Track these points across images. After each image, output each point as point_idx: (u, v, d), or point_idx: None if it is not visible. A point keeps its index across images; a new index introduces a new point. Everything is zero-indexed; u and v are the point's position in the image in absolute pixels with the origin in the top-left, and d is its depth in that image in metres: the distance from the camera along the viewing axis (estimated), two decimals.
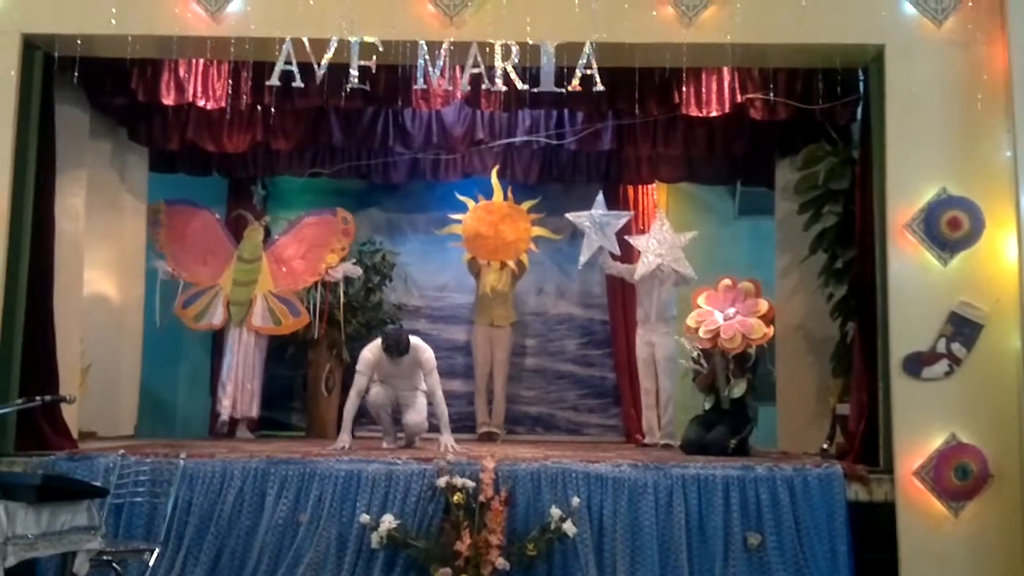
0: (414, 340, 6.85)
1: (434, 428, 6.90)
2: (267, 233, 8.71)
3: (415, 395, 6.99)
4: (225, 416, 8.28)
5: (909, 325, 5.94)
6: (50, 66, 6.49)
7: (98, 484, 5.07)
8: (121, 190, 8.36)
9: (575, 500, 5.57)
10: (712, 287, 7.23)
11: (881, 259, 6.15)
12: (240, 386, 8.24)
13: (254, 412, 8.39)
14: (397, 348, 6.70)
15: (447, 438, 6.63)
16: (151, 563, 5.12)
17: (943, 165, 6.04)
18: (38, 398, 4.97)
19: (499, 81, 6.18)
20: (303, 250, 8.41)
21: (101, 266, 7.99)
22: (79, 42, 6.26)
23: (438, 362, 7.00)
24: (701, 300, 7.18)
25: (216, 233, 8.57)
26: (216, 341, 9.07)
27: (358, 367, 6.85)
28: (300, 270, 8.37)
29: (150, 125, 8.01)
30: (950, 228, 5.93)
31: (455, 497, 5.50)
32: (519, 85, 6.21)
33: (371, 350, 6.83)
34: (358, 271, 8.59)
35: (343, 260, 8.43)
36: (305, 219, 8.58)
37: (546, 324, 9.39)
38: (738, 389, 6.86)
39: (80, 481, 4.83)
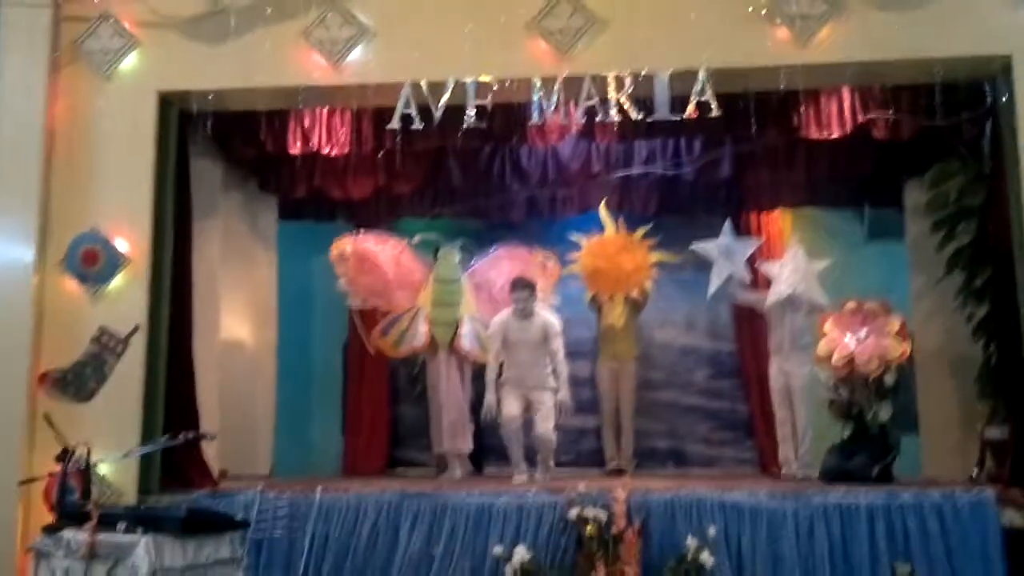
0: (540, 308, 7.18)
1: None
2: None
3: (544, 395, 7.02)
4: (442, 450, 7.90)
5: None
6: (185, 121, 6.82)
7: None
8: (253, 239, 8.67)
9: (711, 530, 5.45)
10: (838, 312, 7.04)
11: (1021, 274, 5.90)
12: (453, 419, 7.81)
13: (466, 446, 7.90)
14: (523, 283, 7.05)
15: (563, 394, 6.98)
16: None
17: None
18: (181, 435, 5.16)
19: (613, 112, 6.20)
20: (502, 280, 7.88)
21: (236, 312, 8.26)
22: (211, 97, 6.57)
23: None
24: (828, 326, 6.98)
25: (408, 258, 8.14)
26: (347, 379, 9.22)
27: (488, 332, 7.27)
28: (499, 299, 7.81)
29: (279, 175, 8.29)
30: None
31: (588, 529, 5.45)
32: (633, 115, 6.21)
33: (499, 316, 7.21)
34: None
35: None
36: (499, 251, 8.20)
37: (672, 356, 9.25)
38: (884, 413, 6.62)
39: (222, 514, 4.93)
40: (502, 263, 8.09)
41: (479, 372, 7.85)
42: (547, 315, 7.15)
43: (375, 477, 8.09)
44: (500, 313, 7.22)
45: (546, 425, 6.98)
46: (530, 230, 9.36)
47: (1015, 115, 5.97)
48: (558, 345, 7.05)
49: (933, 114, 6.49)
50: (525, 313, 7.03)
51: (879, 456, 6.51)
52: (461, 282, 8.05)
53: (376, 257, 8.02)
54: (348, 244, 8.01)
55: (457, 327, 7.87)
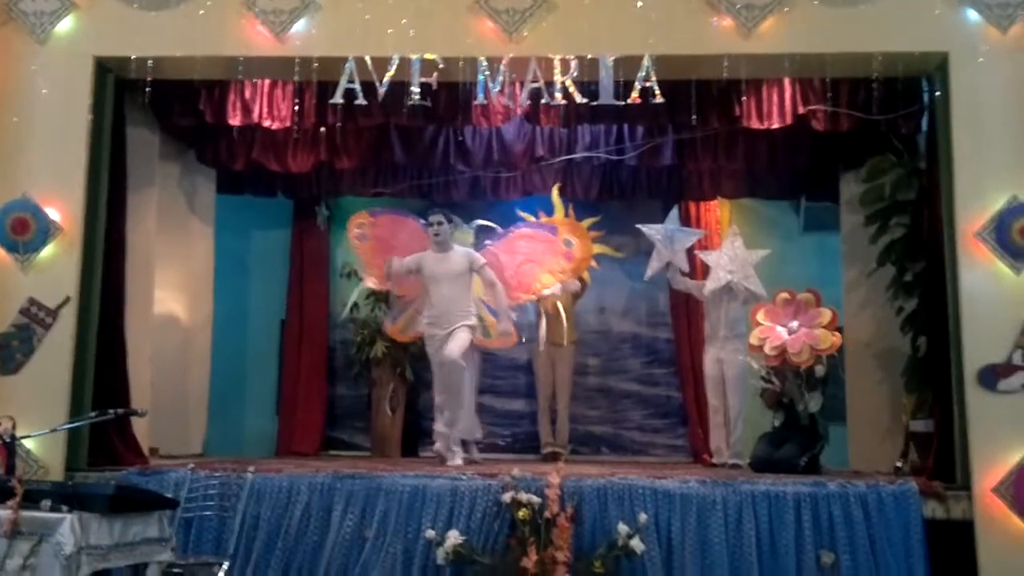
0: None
1: None
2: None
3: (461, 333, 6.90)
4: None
5: (983, 336, 5.83)
6: (121, 89, 6.67)
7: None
8: (190, 212, 8.51)
9: (642, 516, 5.50)
10: (771, 302, 7.13)
11: (952, 269, 6.04)
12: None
13: (478, 433, 7.66)
14: (437, 211, 6.97)
15: (506, 325, 6.92)
16: None
17: (1013, 172, 5.96)
18: (111, 411, 5.06)
19: (558, 95, 6.21)
20: (516, 263, 7.59)
21: (170, 286, 8.13)
22: (150, 64, 6.41)
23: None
24: (761, 316, 7.06)
25: (424, 241, 7.79)
26: (283, 357, 9.12)
27: (403, 260, 7.09)
28: (512, 284, 7.51)
29: (217, 147, 8.13)
30: (1023, 236, 5.78)
31: (521, 513, 5.46)
32: (578, 99, 6.22)
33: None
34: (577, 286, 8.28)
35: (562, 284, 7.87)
36: (520, 230, 7.82)
37: (609, 342, 9.31)
38: (814, 403, 6.72)
39: (151, 493, 4.85)
40: (518, 244, 7.71)
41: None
42: (465, 248, 7.07)
43: (309, 458, 8.03)
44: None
45: (452, 347, 6.78)
46: (472, 211, 9.34)
47: (949, 111, 6.09)
48: (490, 273, 6.98)
49: (871, 108, 6.62)
50: (442, 245, 6.94)
51: (808, 446, 6.63)
52: None
53: (394, 240, 7.75)
54: (367, 225, 7.76)
55: None
